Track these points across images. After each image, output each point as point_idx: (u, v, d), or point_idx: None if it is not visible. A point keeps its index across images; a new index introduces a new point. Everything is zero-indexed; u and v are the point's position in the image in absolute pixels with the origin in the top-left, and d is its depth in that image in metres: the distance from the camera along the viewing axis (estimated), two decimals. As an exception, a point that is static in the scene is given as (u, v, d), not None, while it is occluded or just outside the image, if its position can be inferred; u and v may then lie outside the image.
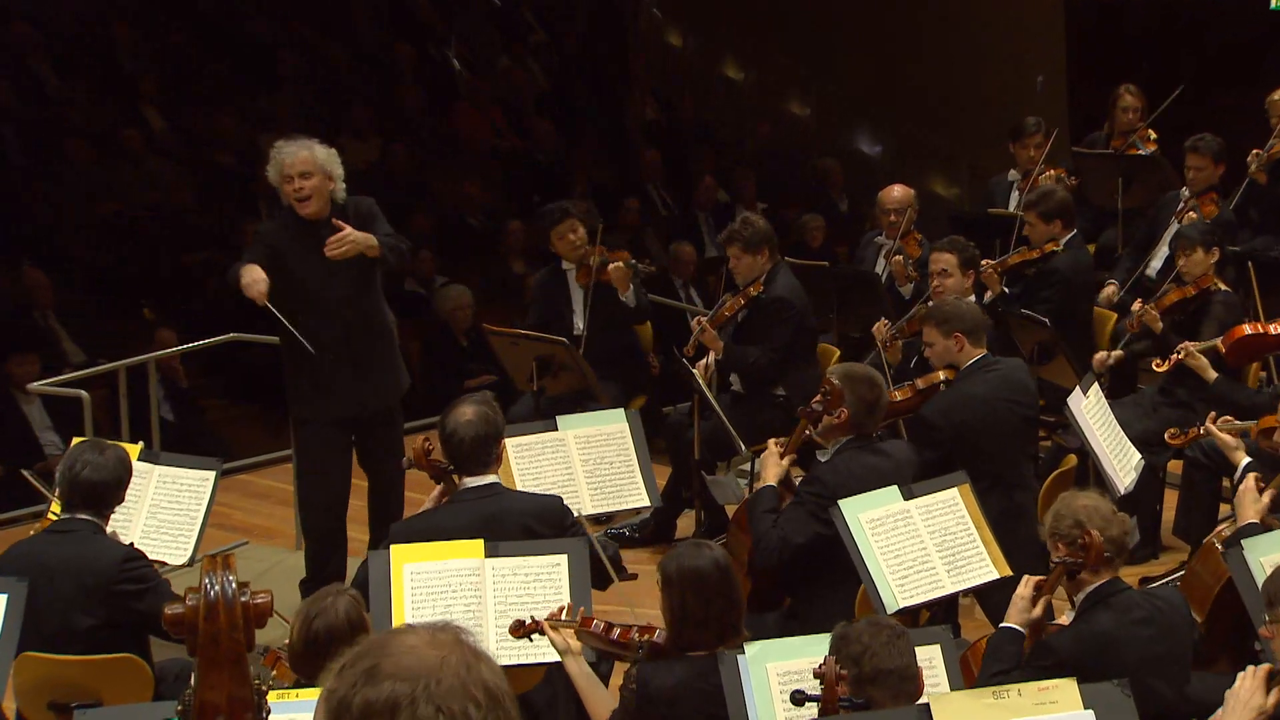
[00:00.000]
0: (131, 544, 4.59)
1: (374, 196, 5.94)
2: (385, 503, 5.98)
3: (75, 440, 5.19)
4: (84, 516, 4.48)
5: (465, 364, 8.71)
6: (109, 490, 4.53)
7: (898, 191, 7.39)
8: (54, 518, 4.57)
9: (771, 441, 5.03)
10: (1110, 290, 7.34)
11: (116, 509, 4.64)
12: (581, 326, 6.92)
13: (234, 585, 2.16)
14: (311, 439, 5.90)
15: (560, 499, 4.67)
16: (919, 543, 4.63)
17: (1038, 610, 4.12)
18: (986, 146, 9.85)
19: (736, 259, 6.58)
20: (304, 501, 6.14)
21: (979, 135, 10.95)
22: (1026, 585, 4.14)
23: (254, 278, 5.51)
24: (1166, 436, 5.68)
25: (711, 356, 6.65)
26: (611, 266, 6.76)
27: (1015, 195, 7.86)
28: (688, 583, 3.86)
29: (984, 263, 6.91)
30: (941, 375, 5.72)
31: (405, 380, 6.02)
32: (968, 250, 6.39)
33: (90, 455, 4.52)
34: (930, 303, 6.35)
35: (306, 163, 5.63)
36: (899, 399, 5.80)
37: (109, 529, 4.57)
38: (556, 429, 5.33)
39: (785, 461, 4.98)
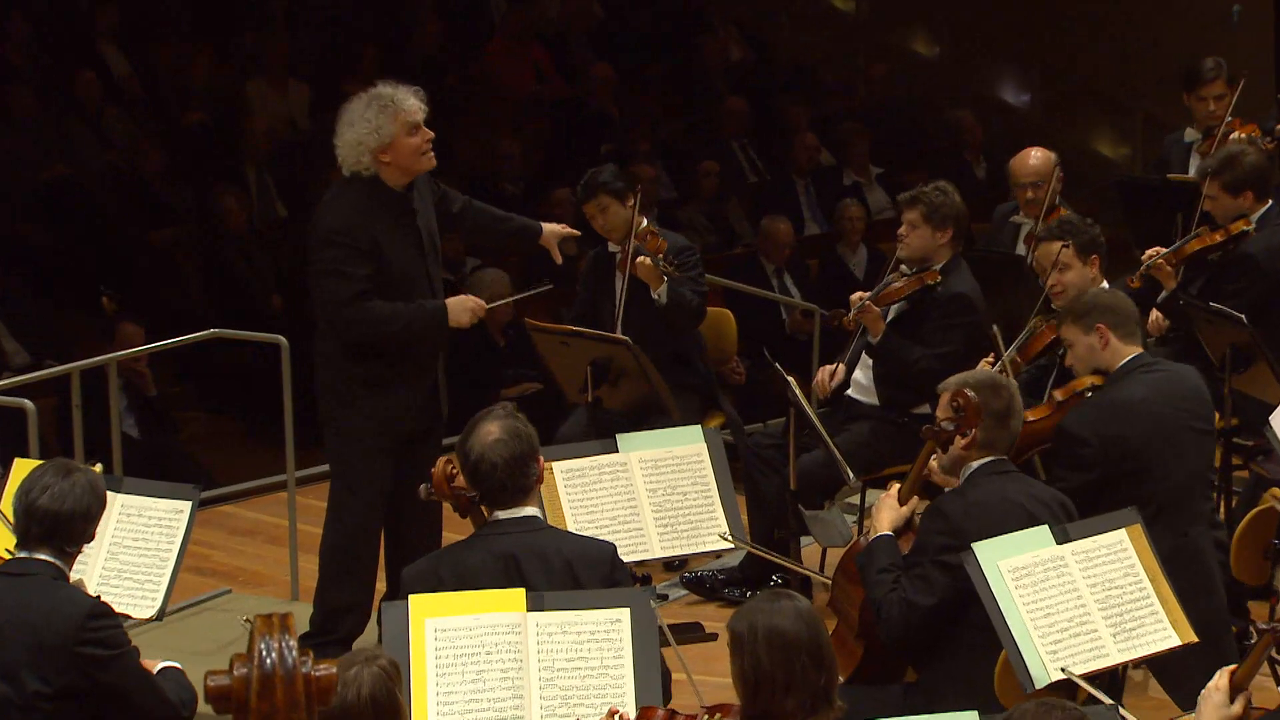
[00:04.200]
0: (98, 596, 4.60)
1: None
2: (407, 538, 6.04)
3: (16, 462, 5.28)
4: (43, 557, 4.49)
5: (502, 369, 8.76)
6: (73, 524, 4.50)
7: (1034, 160, 7.32)
8: (7, 555, 4.61)
9: (894, 485, 5.01)
10: None
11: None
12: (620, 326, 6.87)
13: (294, 653, 2.07)
14: (387, 454, 5.95)
15: (614, 547, 4.65)
16: (1076, 598, 4.62)
17: (1237, 708, 4.09)
18: (1166, 94, 9.78)
19: (911, 228, 6.56)
20: (366, 530, 6.09)
21: (1156, 80, 10.88)
22: (1223, 677, 4.11)
23: (466, 307, 5.81)
24: None
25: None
26: (639, 260, 6.73)
27: (1195, 160, 7.79)
28: (763, 640, 3.86)
29: (1153, 251, 6.86)
30: (1087, 382, 5.67)
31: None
32: (1084, 231, 6.26)
33: (51, 479, 4.49)
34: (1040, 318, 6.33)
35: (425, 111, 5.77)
36: (1033, 420, 5.69)
37: (73, 575, 4.58)
38: (617, 450, 5.38)
39: (907, 509, 4.98)
